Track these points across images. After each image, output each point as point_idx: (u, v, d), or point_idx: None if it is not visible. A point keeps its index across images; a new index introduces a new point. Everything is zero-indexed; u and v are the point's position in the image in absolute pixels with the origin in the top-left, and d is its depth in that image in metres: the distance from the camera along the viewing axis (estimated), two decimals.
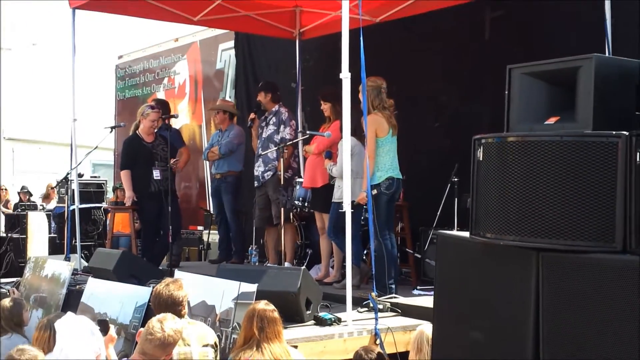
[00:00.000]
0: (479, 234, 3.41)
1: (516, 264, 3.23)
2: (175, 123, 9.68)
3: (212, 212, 9.56)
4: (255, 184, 7.91)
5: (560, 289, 3.04)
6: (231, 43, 10.73)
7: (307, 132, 7.68)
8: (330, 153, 6.88)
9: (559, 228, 3.06)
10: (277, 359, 4.05)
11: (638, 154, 2.91)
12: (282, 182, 7.25)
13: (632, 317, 2.83)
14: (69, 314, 4.47)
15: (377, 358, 4.12)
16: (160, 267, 7.61)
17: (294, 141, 7.68)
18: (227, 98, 10.80)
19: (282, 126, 7.73)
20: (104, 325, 4.45)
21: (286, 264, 7.23)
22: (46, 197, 14.16)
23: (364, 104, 5.74)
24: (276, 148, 7.41)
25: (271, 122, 7.80)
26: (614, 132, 3.00)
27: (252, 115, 7.99)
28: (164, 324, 3.84)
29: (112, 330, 4.48)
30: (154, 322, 3.88)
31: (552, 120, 3.34)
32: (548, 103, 3.42)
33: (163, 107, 8.53)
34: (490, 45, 7.56)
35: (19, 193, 14.13)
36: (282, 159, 7.24)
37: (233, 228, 8.49)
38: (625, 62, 3.40)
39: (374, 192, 6.04)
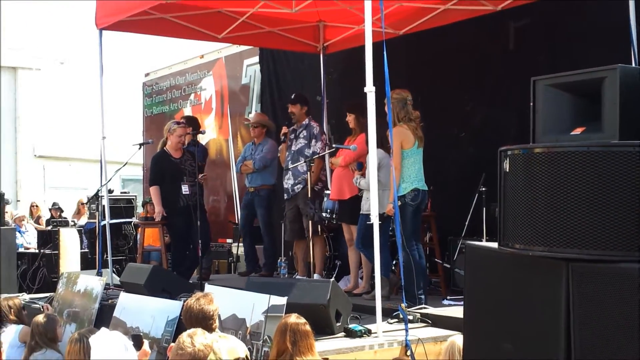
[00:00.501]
0: (507, 245, 3.42)
1: (545, 275, 3.23)
2: (202, 138, 9.79)
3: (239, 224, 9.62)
4: (285, 196, 7.97)
5: (591, 299, 3.04)
6: (256, 58, 10.83)
7: (334, 145, 7.72)
8: (361, 164, 6.91)
9: (587, 238, 3.06)
10: None
11: None
12: (309, 195, 7.29)
13: None
14: (103, 329, 4.54)
15: None
16: (191, 281, 7.68)
17: (321, 154, 7.72)
18: (253, 112, 10.89)
19: (313, 140, 7.79)
20: (137, 339, 4.51)
21: (315, 276, 7.27)
22: (77, 213, 14.34)
23: (389, 116, 5.77)
24: (306, 161, 7.41)
25: (301, 136, 7.85)
26: None
27: (285, 130, 7.97)
28: (195, 338, 3.89)
29: (146, 344, 4.54)
30: (184, 337, 3.93)
31: (578, 131, 3.35)
32: (573, 114, 3.43)
33: (192, 124, 8.65)
34: (515, 55, 7.57)
35: (50, 209, 14.31)
36: (310, 172, 7.28)
37: (266, 241, 8.55)
38: None
39: (400, 203, 6.06)
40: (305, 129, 7.86)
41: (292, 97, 8.17)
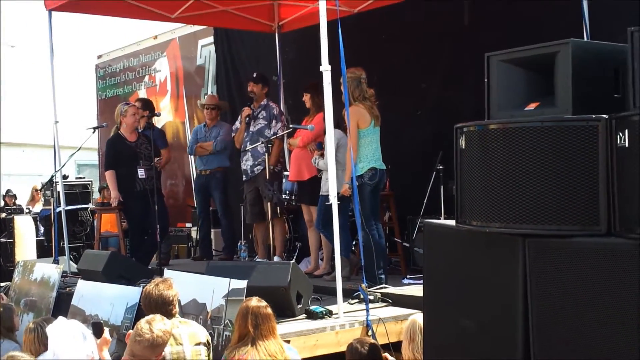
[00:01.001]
0: (464, 222, 3.43)
1: (503, 251, 3.25)
2: (158, 121, 9.67)
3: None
4: (244, 178, 7.89)
5: (547, 273, 3.07)
6: (211, 39, 10.70)
7: (291, 125, 7.67)
8: (321, 144, 6.87)
9: (543, 213, 3.08)
10: (273, 356, 4.07)
11: (618, 136, 2.93)
12: (267, 177, 7.24)
13: (617, 298, 2.86)
14: (60, 318, 4.47)
15: (371, 349, 4.14)
16: (150, 266, 7.60)
17: (278, 135, 7.66)
18: (209, 93, 10.78)
19: (274, 121, 7.72)
20: (98, 327, 4.45)
21: (275, 258, 7.24)
22: (31, 200, 14.08)
23: (345, 95, 5.74)
24: (263, 142, 7.36)
25: (260, 117, 7.77)
26: (593, 116, 3.02)
27: (248, 111, 7.84)
28: (153, 325, 3.85)
29: (107, 332, 4.47)
30: (142, 323, 3.88)
31: (532, 106, 3.36)
32: (527, 89, 3.44)
33: (148, 107, 8.52)
34: (469, 32, 7.58)
35: (4, 197, 14.04)
36: (268, 155, 7.23)
37: (224, 224, 8.50)
38: (603, 46, 3.42)
39: (357, 183, 6.04)
40: (264, 109, 7.79)
41: (254, 75, 8.05)
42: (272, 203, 7.32)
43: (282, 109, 8.67)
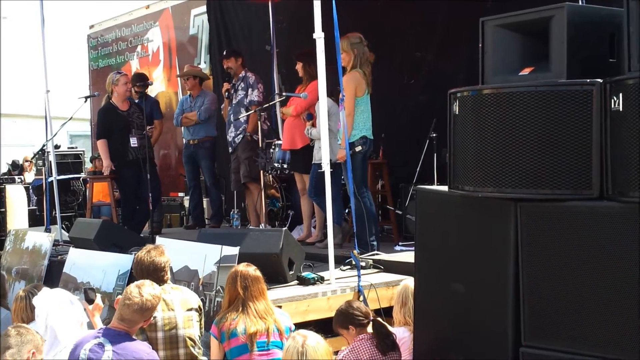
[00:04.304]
0: (457, 187, 3.42)
1: (495, 215, 3.26)
2: (150, 91, 9.60)
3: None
4: (230, 149, 8.01)
5: (539, 237, 3.07)
6: (203, 8, 10.62)
7: (284, 93, 7.65)
8: (311, 115, 6.86)
9: (536, 178, 3.08)
10: (262, 317, 4.09)
11: (613, 100, 2.92)
12: (258, 144, 7.26)
13: (608, 261, 2.87)
14: (44, 289, 4.47)
15: (361, 312, 4.16)
16: (142, 235, 7.59)
17: (271, 103, 7.67)
18: (202, 63, 10.73)
19: (249, 89, 7.83)
20: (90, 293, 4.45)
21: (261, 226, 7.28)
22: (22, 170, 14.03)
23: (339, 63, 5.69)
24: (248, 113, 7.51)
25: (240, 88, 7.89)
26: (588, 80, 3.01)
27: (227, 86, 7.97)
28: (142, 289, 3.84)
29: (99, 298, 4.48)
30: (132, 287, 3.88)
31: (526, 71, 3.34)
32: (522, 54, 3.42)
33: (142, 80, 8.49)
34: None
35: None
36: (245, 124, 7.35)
37: (213, 192, 8.58)
38: (598, 10, 3.40)
39: (352, 151, 6.03)
40: (243, 80, 7.89)
41: (225, 53, 8.29)
42: (264, 171, 7.34)
43: (274, 77, 8.66)
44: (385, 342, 4.04)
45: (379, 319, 4.26)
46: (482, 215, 3.34)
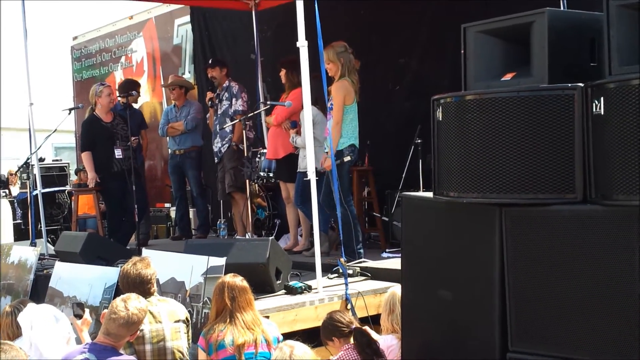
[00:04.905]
0: (442, 194, 3.42)
1: (480, 221, 3.26)
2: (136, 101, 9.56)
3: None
4: (216, 160, 8.02)
5: (524, 242, 3.08)
6: (187, 18, 10.60)
7: (269, 102, 7.65)
8: (296, 123, 6.86)
9: (520, 183, 3.08)
10: (250, 328, 4.07)
11: (594, 104, 2.93)
12: (244, 154, 7.26)
13: (593, 265, 2.87)
14: (30, 305, 4.43)
15: (342, 323, 4.15)
16: (128, 247, 7.55)
17: (256, 112, 7.67)
18: (187, 73, 10.72)
19: (233, 99, 7.83)
20: (78, 309, 4.42)
21: (247, 235, 7.26)
22: (7, 184, 13.92)
23: (323, 72, 5.69)
24: (232, 123, 7.55)
25: (224, 98, 7.90)
26: (569, 85, 3.02)
27: (210, 95, 7.98)
28: (128, 303, 3.82)
29: (87, 313, 4.45)
30: (117, 301, 3.85)
31: (508, 77, 3.35)
32: (504, 60, 3.43)
33: (132, 87, 8.47)
34: (447, 4, 7.51)
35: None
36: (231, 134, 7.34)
37: (199, 203, 8.54)
38: (579, 15, 3.41)
39: (339, 161, 6.02)
40: (227, 90, 7.90)
41: (210, 62, 8.29)
42: (250, 180, 7.34)
43: (259, 86, 8.66)
44: (366, 351, 4.03)
45: (361, 327, 4.23)
46: (467, 221, 3.34)
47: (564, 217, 2.97)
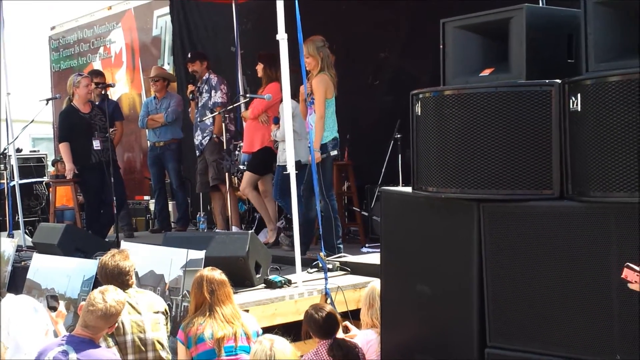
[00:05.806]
0: (420, 189, 3.44)
1: (458, 216, 3.28)
2: (114, 93, 9.52)
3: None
4: (197, 153, 7.98)
5: (501, 238, 3.10)
6: (166, 9, 10.53)
7: (248, 95, 7.63)
8: (277, 119, 6.85)
9: (497, 178, 3.11)
10: (229, 321, 4.07)
11: (571, 101, 2.96)
12: (224, 147, 7.25)
13: (569, 261, 2.90)
14: (8, 295, 4.40)
15: (328, 315, 4.15)
16: (107, 239, 7.52)
17: (235, 105, 7.64)
18: (166, 65, 10.65)
19: (212, 91, 7.80)
20: (52, 301, 4.39)
21: (233, 228, 7.24)
22: None
23: (303, 66, 5.68)
24: (212, 115, 7.53)
25: (204, 91, 7.87)
26: (547, 81, 3.05)
27: (191, 88, 7.93)
28: (106, 295, 3.80)
29: (62, 305, 4.42)
30: (95, 293, 3.83)
31: (486, 72, 3.37)
32: (482, 55, 3.45)
33: (99, 75, 8.41)
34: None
35: None
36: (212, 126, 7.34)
37: (179, 195, 8.53)
38: (557, 12, 3.45)
39: (325, 155, 6.03)
40: (206, 83, 7.87)
41: (189, 56, 8.21)
42: (228, 173, 7.31)
43: (239, 79, 8.64)
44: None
45: (338, 338, 4.19)
46: (446, 216, 3.37)
47: (541, 213, 3.00)
